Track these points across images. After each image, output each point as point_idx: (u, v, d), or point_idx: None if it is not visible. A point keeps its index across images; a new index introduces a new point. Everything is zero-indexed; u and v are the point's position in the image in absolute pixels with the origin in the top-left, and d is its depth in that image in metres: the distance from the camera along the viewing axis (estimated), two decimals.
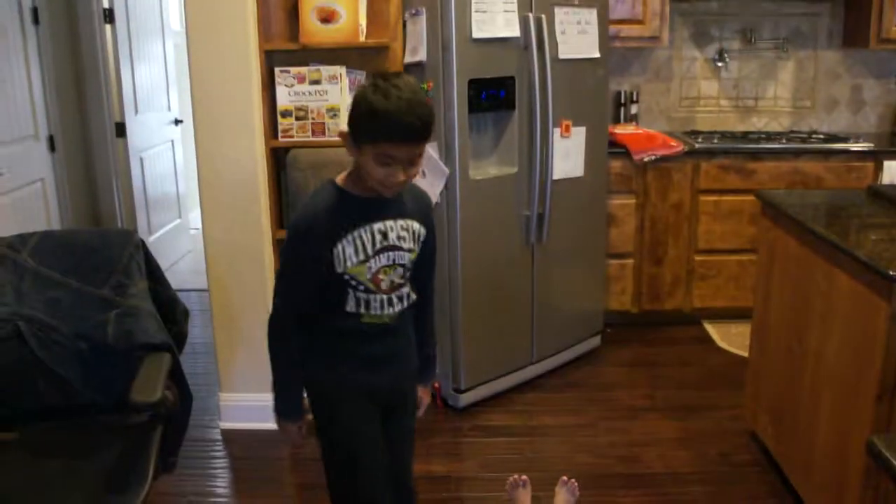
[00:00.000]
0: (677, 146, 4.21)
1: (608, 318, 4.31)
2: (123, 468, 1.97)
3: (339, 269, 1.83)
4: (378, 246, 1.85)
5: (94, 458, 2.02)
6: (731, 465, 3.10)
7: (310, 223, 1.83)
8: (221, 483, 3.12)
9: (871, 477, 2.21)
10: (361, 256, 1.83)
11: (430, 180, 3.34)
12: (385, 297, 1.89)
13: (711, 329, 4.44)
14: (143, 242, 2.31)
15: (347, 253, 1.81)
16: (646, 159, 4.17)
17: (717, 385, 3.79)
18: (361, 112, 1.73)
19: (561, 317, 3.90)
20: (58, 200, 4.43)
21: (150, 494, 1.88)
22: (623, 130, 4.38)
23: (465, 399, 3.57)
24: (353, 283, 1.85)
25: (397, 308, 1.93)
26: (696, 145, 4.26)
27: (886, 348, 2.13)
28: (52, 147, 4.36)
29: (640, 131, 4.40)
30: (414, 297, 1.98)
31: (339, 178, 1.88)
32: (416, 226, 1.94)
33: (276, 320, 1.92)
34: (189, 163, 5.68)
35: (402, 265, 1.91)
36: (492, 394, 3.66)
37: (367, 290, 1.87)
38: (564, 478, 2.72)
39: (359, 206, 1.83)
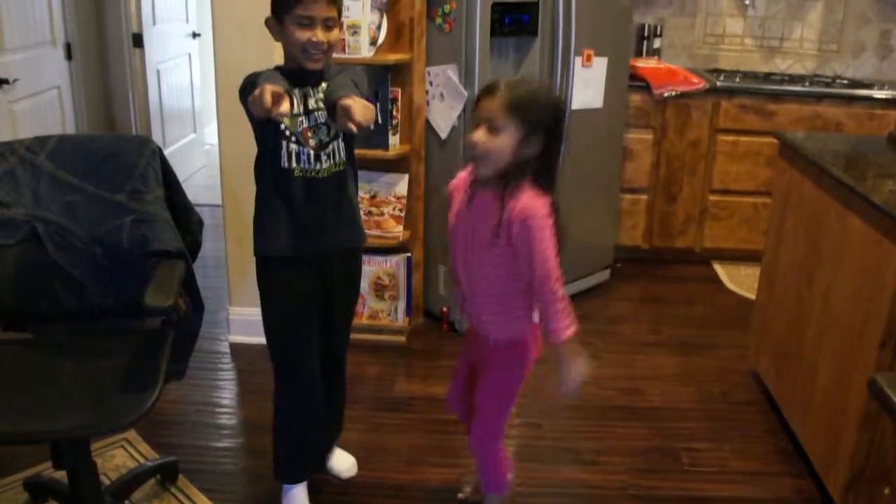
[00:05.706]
0: (698, 83, 4.16)
1: (618, 253, 4.32)
2: (135, 371, 2.00)
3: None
4: (304, 107, 2.10)
5: (106, 359, 2.05)
6: (730, 403, 3.14)
7: (252, 77, 2.00)
8: (227, 394, 3.18)
9: (868, 421, 2.24)
10: (295, 110, 2.07)
11: (448, 103, 3.31)
12: (313, 152, 2.11)
13: (720, 270, 4.45)
14: (159, 149, 2.30)
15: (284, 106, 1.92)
16: (665, 94, 4.13)
17: (723, 325, 3.82)
18: None
19: (571, 249, 3.78)
20: (73, 109, 4.41)
21: (159, 400, 1.91)
22: (644, 64, 4.33)
23: None
24: (287, 133, 2.07)
25: (325, 164, 2.13)
26: (718, 83, 4.21)
27: (895, 294, 2.13)
28: (68, 55, 4.33)
29: (662, 66, 4.35)
30: (342, 157, 2.17)
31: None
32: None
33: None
34: (206, 77, 5.64)
35: (325, 124, 2.11)
36: None
37: (298, 143, 2.09)
38: None
39: (288, 73, 2.05)
